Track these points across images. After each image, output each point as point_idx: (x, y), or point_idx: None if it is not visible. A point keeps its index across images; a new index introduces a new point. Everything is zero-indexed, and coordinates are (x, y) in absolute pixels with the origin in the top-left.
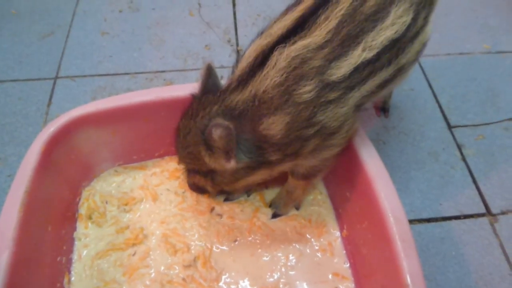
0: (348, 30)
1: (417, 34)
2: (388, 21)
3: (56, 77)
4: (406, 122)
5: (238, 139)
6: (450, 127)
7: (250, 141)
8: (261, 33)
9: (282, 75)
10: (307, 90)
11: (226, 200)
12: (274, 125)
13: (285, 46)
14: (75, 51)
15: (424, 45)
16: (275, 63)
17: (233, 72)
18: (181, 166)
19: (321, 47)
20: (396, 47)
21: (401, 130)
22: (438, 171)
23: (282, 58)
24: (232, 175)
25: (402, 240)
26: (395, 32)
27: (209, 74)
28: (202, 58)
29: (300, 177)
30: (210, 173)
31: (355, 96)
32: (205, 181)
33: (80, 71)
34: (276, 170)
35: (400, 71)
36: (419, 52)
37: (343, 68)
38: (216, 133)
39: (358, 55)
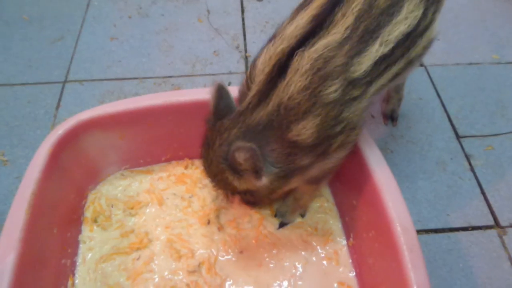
0: (365, 25)
1: (426, 29)
2: (402, 15)
3: (65, 81)
4: (414, 131)
5: (265, 152)
6: (458, 137)
7: (279, 151)
8: (273, 37)
9: (306, 78)
10: (333, 90)
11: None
12: (305, 130)
13: (304, 50)
14: (84, 56)
15: (431, 42)
16: (298, 68)
17: (246, 85)
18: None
19: (341, 44)
20: (408, 40)
21: (409, 139)
22: (446, 181)
23: (304, 61)
24: (267, 188)
25: (410, 251)
26: (408, 26)
27: (221, 95)
28: (210, 63)
29: (313, 181)
30: (247, 192)
31: (372, 90)
32: (246, 197)
33: (89, 75)
34: (307, 175)
35: (409, 65)
36: (426, 48)
37: (364, 63)
38: (240, 157)
39: (376, 50)
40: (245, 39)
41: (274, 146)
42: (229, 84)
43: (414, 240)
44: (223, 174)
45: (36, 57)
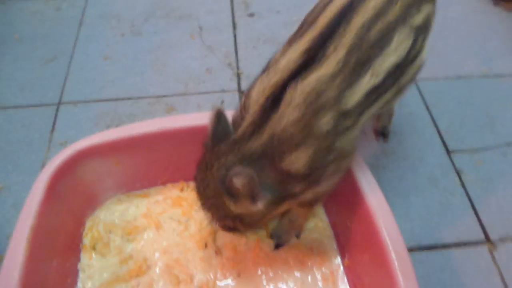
0: (356, 58)
1: (415, 57)
2: (392, 46)
3: (59, 103)
4: (405, 147)
5: (260, 180)
6: (448, 152)
7: (273, 179)
8: (266, 69)
9: (299, 111)
10: (325, 122)
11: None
12: (297, 160)
13: (297, 82)
14: (77, 76)
15: (420, 68)
16: (290, 101)
17: (240, 114)
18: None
19: (333, 77)
20: (398, 70)
21: (400, 155)
22: (438, 197)
23: (297, 94)
24: (259, 213)
25: (404, 276)
26: (398, 56)
27: (219, 120)
28: (203, 82)
29: (307, 204)
30: (238, 217)
31: (364, 119)
32: (234, 223)
33: (83, 97)
34: (299, 200)
35: (399, 92)
36: (415, 74)
37: (355, 95)
38: (238, 182)
39: (367, 82)
40: (237, 56)
41: (268, 174)
42: (222, 102)
43: (408, 266)
44: (219, 198)
45: (28, 78)
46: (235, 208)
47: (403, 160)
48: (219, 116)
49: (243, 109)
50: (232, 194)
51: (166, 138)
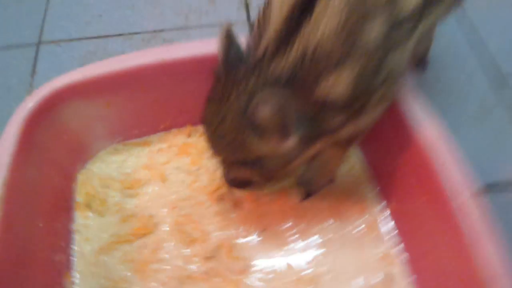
0: None
1: None
2: None
3: (39, 43)
4: (446, 81)
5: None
6: (501, 78)
7: (305, 111)
8: None
9: (340, 17)
10: (375, 31)
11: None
12: (338, 84)
13: None
14: (58, 12)
15: None
16: (327, 5)
17: (258, 30)
18: (217, 161)
19: None
20: None
21: (440, 90)
22: (491, 131)
23: None
24: (286, 155)
25: (471, 216)
26: None
27: (231, 41)
28: (206, 13)
29: (344, 143)
30: (258, 161)
31: (418, 33)
32: (251, 172)
33: (66, 35)
34: (337, 136)
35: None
36: None
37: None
38: (266, 110)
39: None
40: None
41: (300, 104)
42: (230, 25)
43: (479, 201)
44: (238, 135)
45: (2, 16)
46: (260, 146)
47: (447, 93)
48: (230, 37)
49: (261, 23)
50: (257, 127)
51: (165, 72)
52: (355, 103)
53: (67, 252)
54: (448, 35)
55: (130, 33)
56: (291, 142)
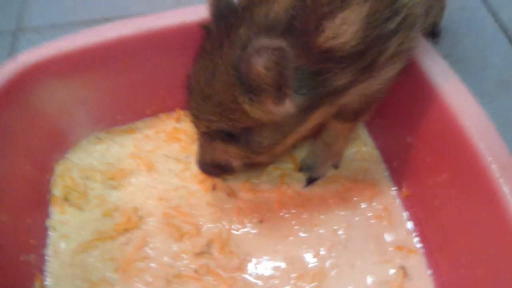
0: None
1: None
2: None
3: (17, 29)
4: (463, 48)
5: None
6: None
7: (306, 66)
8: None
9: None
10: None
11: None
12: (345, 26)
13: None
14: None
15: None
16: None
17: None
18: (195, 131)
19: None
20: None
21: (457, 58)
22: None
23: None
24: (281, 126)
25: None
26: None
27: None
28: None
29: (351, 116)
30: (244, 134)
31: None
32: (235, 150)
33: (48, 20)
34: (341, 103)
35: None
36: None
37: None
38: (259, 64)
39: None
40: None
41: (299, 58)
42: None
43: None
44: (229, 93)
45: None
46: (251, 109)
47: (463, 64)
48: None
49: None
50: (250, 85)
51: (150, 44)
52: (366, 54)
53: (39, 251)
54: (458, 1)
55: (117, 17)
56: (289, 105)
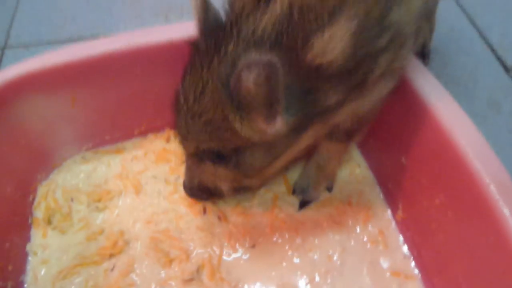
0: None
1: None
2: None
3: (5, 47)
4: (453, 69)
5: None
6: (507, 69)
7: (296, 82)
8: None
9: None
10: None
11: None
12: (334, 44)
13: None
14: (28, 15)
15: None
16: None
17: None
18: (183, 152)
19: None
20: None
21: (448, 79)
22: (503, 124)
23: None
24: (273, 146)
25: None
26: None
27: (206, 7)
28: (188, 12)
29: (343, 136)
30: (235, 155)
31: None
32: (224, 171)
33: (36, 37)
34: (333, 122)
35: None
36: None
37: None
38: (250, 80)
39: None
40: None
41: (289, 74)
42: None
43: None
44: (219, 111)
45: None
46: (242, 127)
47: (453, 85)
48: (205, 3)
49: None
50: (240, 102)
51: (139, 60)
52: (356, 72)
53: (17, 278)
54: (449, 20)
55: (105, 35)
56: (280, 124)
